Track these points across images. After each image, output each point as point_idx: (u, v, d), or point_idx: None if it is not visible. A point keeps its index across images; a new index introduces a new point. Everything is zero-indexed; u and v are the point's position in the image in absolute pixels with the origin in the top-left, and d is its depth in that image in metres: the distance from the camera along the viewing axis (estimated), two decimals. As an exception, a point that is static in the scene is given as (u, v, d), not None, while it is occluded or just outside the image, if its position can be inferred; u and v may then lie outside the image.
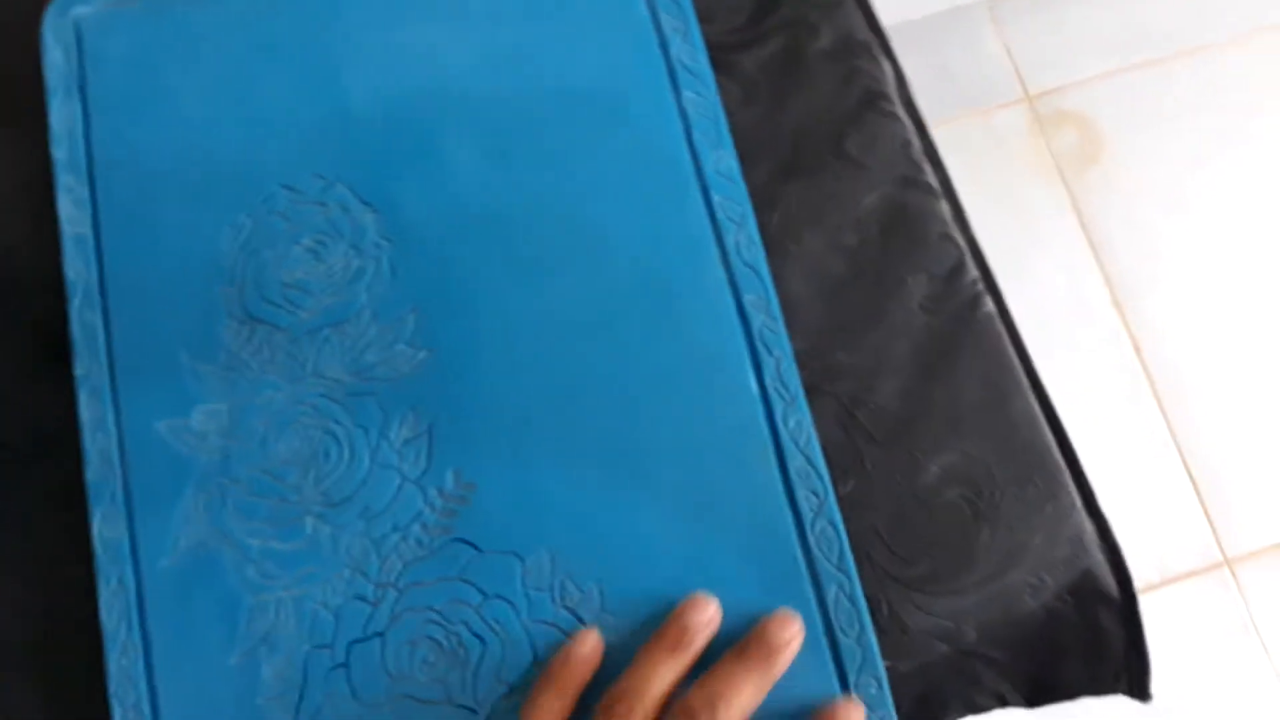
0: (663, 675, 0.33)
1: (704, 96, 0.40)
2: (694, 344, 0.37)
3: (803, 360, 0.38)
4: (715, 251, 0.38)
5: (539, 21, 0.41)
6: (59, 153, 0.40)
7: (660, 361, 0.37)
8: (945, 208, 0.40)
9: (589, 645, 0.34)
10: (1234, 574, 1.04)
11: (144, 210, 0.39)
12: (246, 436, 0.37)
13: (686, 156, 0.39)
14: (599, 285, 0.38)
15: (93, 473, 0.37)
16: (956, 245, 0.39)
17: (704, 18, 0.42)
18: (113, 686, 0.35)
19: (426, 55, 0.41)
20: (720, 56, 0.41)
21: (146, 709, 0.35)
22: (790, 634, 0.34)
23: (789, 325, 0.38)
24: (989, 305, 0.39)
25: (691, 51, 0.40)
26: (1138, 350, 1.11)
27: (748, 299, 0.38)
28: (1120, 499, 1.03)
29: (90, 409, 0.37)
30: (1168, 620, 1.03)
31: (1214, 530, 1.05)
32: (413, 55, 0.41)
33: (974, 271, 0.39)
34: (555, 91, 0.40)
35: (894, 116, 0.40)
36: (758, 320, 0.37)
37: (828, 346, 0.38)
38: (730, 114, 0.40)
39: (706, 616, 0.34)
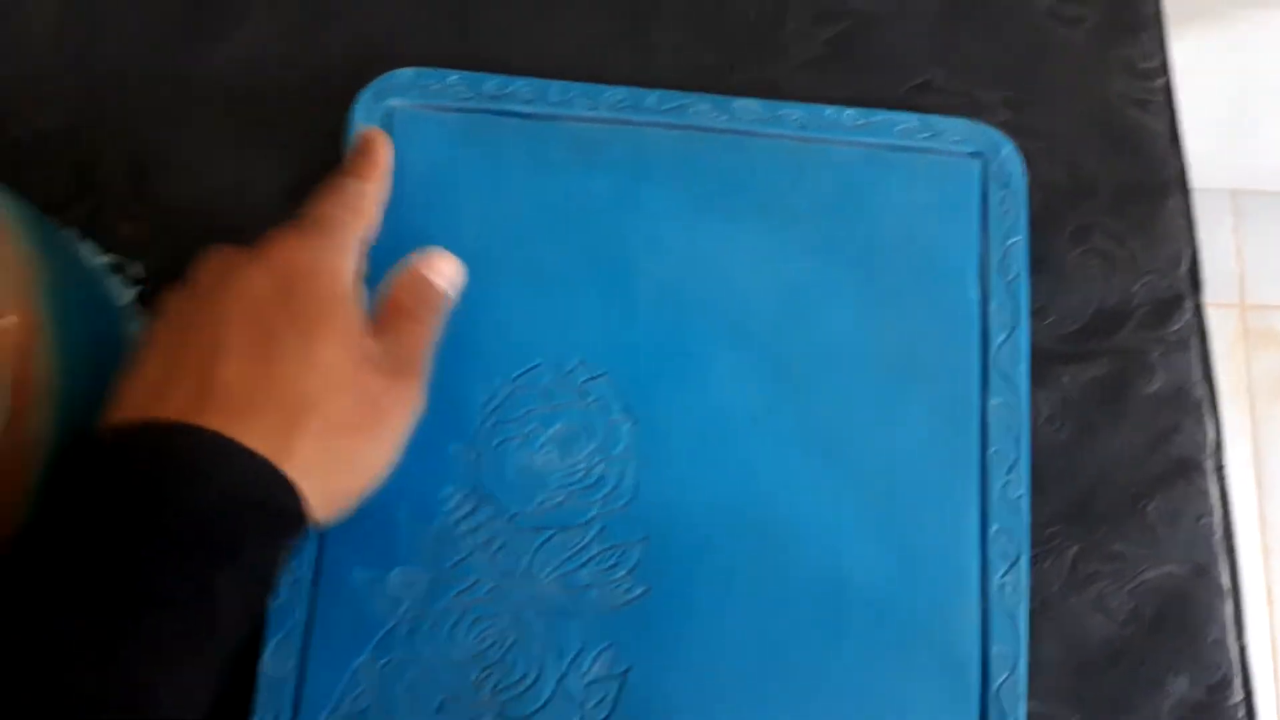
0: None
1: (1013, 408, 0.36)
2: (926, 684, 0.34)
3: (1032, 727, 0.35)
4: (976, 587, 0.35)
5: (858, 259, 0.38)
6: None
7: (880, 688, 0.34)
8: (1230, 610, 0.36)
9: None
10: None
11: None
12: (440, 616, 0.35)
13: (975, 468, 0.36)
14: (835, 584, 0.35)
15: (278, 600, 0.35)
16: (1229, 657, 0.36)
17: (1036, 310, 0.38)
18: None
19: (726, 260, 0.38)
20: (1039, 361, 0.37)
21: None
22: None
23: (1031, 683, 0.35)
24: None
25: (1013, 354, 0.37)
26: (1270, 606, 1.05)
27: (994, 650, 0.35)
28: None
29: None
30: None
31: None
32: (712, 255, 0.38)
33: (1240, 692, 0.35)
34: (849, 344, 0.37)
35: (1204, 493, 0.37)
36: (999, 677, 0.34)
37: (1061, 721, 0.35)
38: (1031, 429, 0.37)
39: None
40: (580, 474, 0.36)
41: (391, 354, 0.32)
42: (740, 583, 0.35)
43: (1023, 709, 0.34)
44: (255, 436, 0.28)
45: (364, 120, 0.40)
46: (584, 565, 0.36)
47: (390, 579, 0.35)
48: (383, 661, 0.35)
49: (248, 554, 0.28)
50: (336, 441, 0.31)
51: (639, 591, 0.35)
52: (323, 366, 0.30)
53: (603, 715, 0.34)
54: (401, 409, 0.33)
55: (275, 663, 0.35)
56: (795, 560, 0.35)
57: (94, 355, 0.32)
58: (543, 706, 0.34)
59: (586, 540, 0.36)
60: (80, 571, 0.26)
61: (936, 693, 0.34)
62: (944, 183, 0.39)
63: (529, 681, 0.35)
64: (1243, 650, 0.36)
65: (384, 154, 0.36)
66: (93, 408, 0.30)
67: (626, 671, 0.35)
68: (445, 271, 0.35)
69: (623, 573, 0.35)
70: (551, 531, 0.36)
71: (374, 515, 0.36)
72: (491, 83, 0.40)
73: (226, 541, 0.28)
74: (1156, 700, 0.35)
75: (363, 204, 0.34)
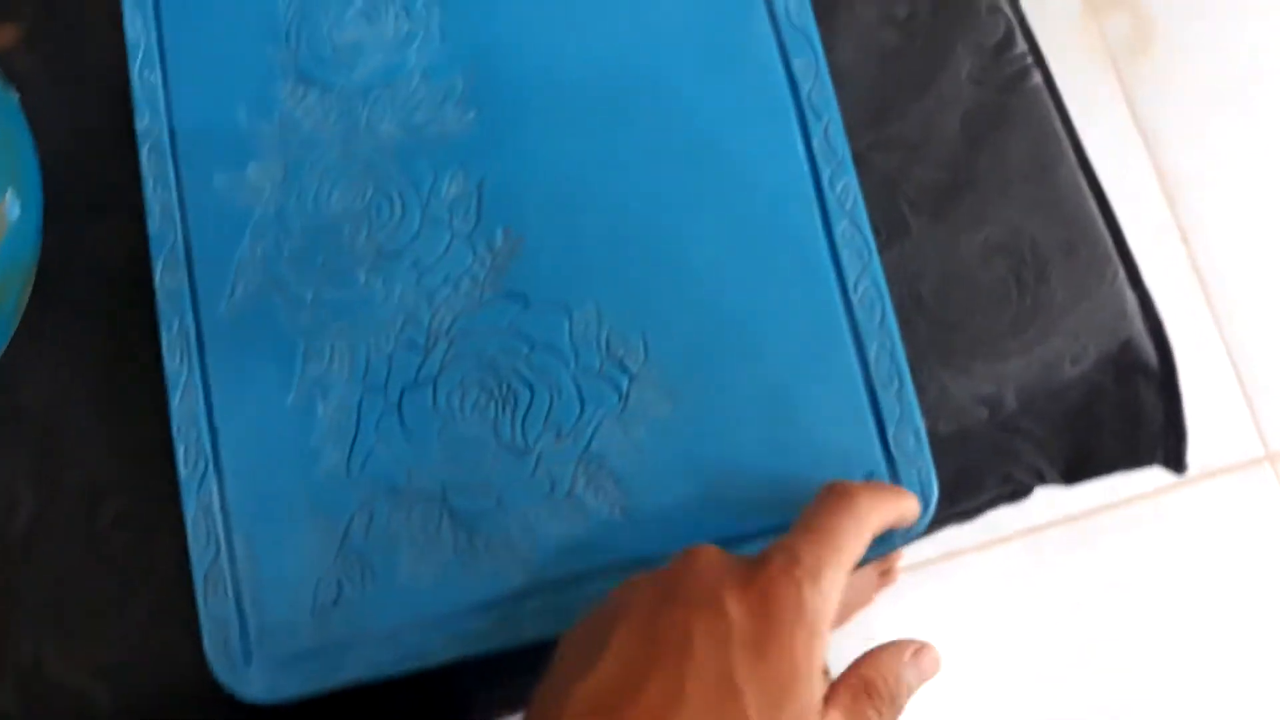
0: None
1: None
2: (740, 104, 0.37)
3: (851, 130, 0.38)
4: (764, 13, 0.38)
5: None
6: (118, -85, 0.41)
7: (705, 120, 0.37)
8: (999, -23, 0.39)
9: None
10: (1276, 470, 1.03)
11: (201, -27, 0.40)
12: (301, 191, 0.38)
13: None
14: (643, 40, 0.38)
15: (154, 225, 0.38)
16: (1006, 17, 0.39)
17: None
18: (175, 425, 0.36)
19: None
20: None
21: (207, 446, 0.36)
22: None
23: (838, 96, 0.38)
24: (1036, 77, 0.38)
25: None
26: (1186, 243, 1.10)
27: (796, 63, 0.38)
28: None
29: (152, 164, 0.38)
30: (1206, 515, 1.03)
31: (1258, 426, 1.05)
32: None
33: (1022, 44, 0.39)
34: None
35: (949, -110, 0.40)
36: (806, 84, 0.38)
37: (876, 117, 0.38)
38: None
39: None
40: (390, 34, 0.39)
41: None
42: (555, 73, 0.38)
43: (834, 106, 0.37)
44: None
45: None
46: (416, 109, 0.38)
47: (248, 172, 0.38)
48: (260, 245, 0.38)
49: None
50: None
51: (471, 116, 0.38)
52: None
53: (470, 225, 0.37)
54: None
55: (167, 277, 0.37)
56: (597, 38, 0.38)
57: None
58: (416, 234, 0.37)
59: (412, 88, 0.39)
60: None
61: (756, 110, 0.37)
62: None
63: (397, 217, 0.38)
64: (1018, 13, 0.39)
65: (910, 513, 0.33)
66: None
67: (480, 184, 0.38)
68: (926, 669, 0.31)
69: (451, 104, 0.38)
70: (379, 90, 0.39)
71: (216, 124, 0.38)
72: None
73: None
74: (952, 70, 0.39)
75: (854, 551, 0.30)
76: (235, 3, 0.39)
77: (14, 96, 0.40)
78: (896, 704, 0.29)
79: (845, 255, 0.36)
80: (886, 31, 0.39)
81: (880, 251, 0.36)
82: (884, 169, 0.38)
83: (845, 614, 0.30)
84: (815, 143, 0.37)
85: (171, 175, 0.38)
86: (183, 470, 0.36)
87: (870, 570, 0.32)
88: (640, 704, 0.27)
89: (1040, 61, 0.39)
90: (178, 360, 0.37)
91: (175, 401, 0.36)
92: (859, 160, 0.37)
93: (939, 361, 0.36)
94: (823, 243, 0.36)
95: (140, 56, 0.39)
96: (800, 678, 0.27)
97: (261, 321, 0.37)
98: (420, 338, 0.36)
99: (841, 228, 0.36)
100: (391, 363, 0.36)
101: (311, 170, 0.38)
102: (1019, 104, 0.38)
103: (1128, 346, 0.37)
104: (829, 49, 0.38)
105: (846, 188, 0.37)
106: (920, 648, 0.30)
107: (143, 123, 0.39)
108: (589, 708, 0.27)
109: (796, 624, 0.28)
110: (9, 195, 0.37)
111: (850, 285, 0.36)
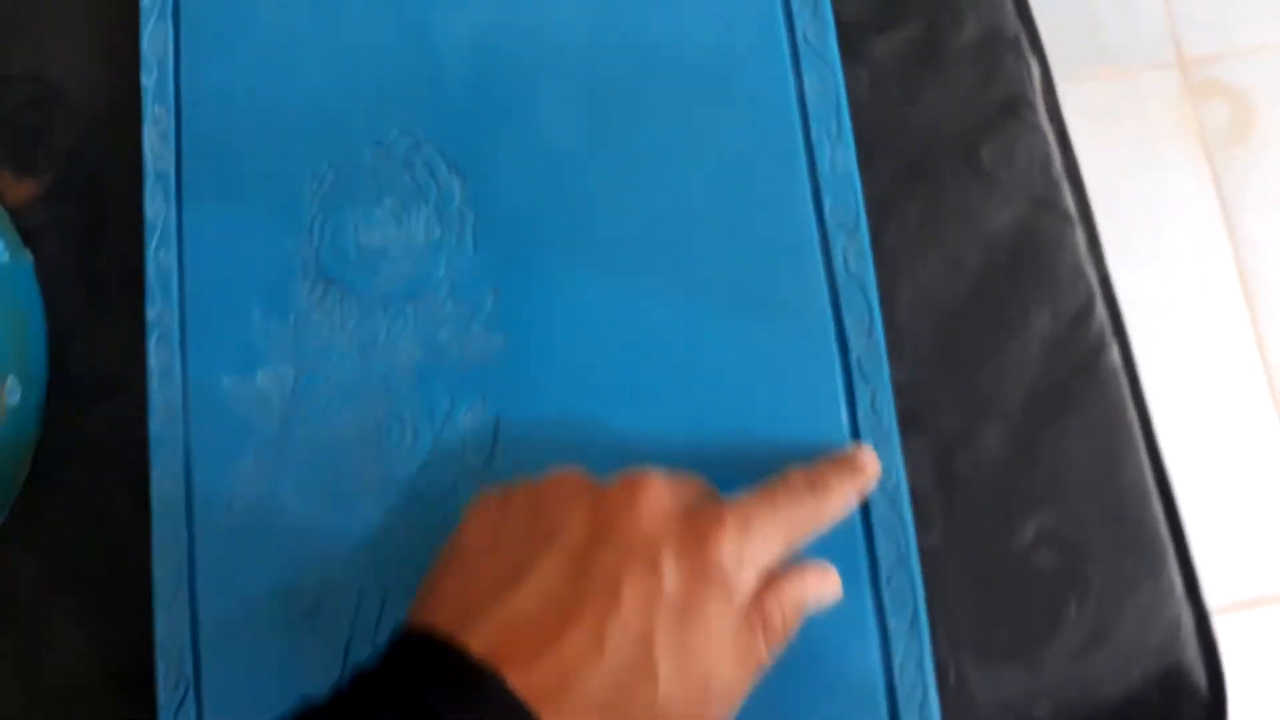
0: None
1: (828, 81, 0.36)
2: (785, 365, 0.35)
3: (903, 390, 0.35)
4: (820, 261, 0.35)
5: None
6: (147, 80, 0.38)
7: (745, 378, 0.35)
8: (1081, 236, 0.36)
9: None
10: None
11: (228, 149, 0.38)
12: (310, 404, 0.36)
13: (801, 148, 0.36)
14: (687, 285, 0.35)
15: (156, 425, 0.36)
16: (1088, 282, 0.35)
17: (839, -14, 0.37)
18: (158, 642, 0.35)
19: (525, 6, 0.38)
20: (850, 37, 0.37)
21: (189, 670, 0.34)
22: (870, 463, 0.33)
23: (892, 350, 0.35)
24: (1115, 356, 0.35)
25: (820, 29, 0.37)
26: (1262, 350, 1.04)
27: (849, 319, 0.35)
28: (1227, 508, 0.98)
29: (159, 356, 0.36)
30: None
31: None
32: (511, 4, 0.38)
33: (1103, 315, 0.35)
34: (662, 58, 0.37)
35: (1035, 127, 0.36)
36: (858, 345, 0.34)
37: (933, 379, 0.35)
38: (854, 104, 0.36)
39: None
40: (420, 239, 0.37)
41: (732, 680, 0.29)
42: (591, 309, 0.36)
43: (885, 372, 0.34)
44: None
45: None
46: (440, 325, 0.36)
47: (257, 379, 0.36)
48: (263, 459, 0.36)
49: None
50: None
51: (498, 340, 0.36)
52: (672, 710, 0.27)
53: (482, 460, 0.35)
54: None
55: (164, 483, 0.36)
56: (646, 278, 0.36)
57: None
58: (425, 464, 0.35)
59: (438, 300, 0.36)
60: None
61: (799, 365, 0.35)
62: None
63: (407, 444, 0.35)
64: (1103, 276, 0.36)
65: (862, 487, 0.33)
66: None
67: (498, 419, 0.35)
68: (827, 596, 0.31)
69: (479, 326, 0.36)
70: (402, 301, 0.36)
71: (230, 319, 0.36)
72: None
73: None
74: (1022, 338, 0.35)
75: (803, 534, 0.31)
76: (259, 189, 0.37)
77: (28, 260, 0.38)
78: (788, 636, 0.30)
79: (881, 544, 0.33)
80: (953, 284, 0.36)
81: (922, 531, 0.34)
82: (933, 444, 0.35)
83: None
84: (861, 412, 0.34)
85: (178, 372, 0.36)
86: (161, 692, 0.34)
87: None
88: (556, 649, 0.26)
89: (1120, 331, 0.35)
90: (166, 572, 0.35)
91: (160, 621, 0.35)
92: (908, 424, 0.34)
93: (969, 664, 0.34)
94: (857, 529, 0.33)
95: (157, 236, 0.37)
96: (715, 644, 0.27)
97: (256, 541, 0.35)
98: (416, 580, 0.34)
99: (879, 510, 0.33)
100: (384, 606, 0.34)
101: (324, 383, 0.36)
102: (1091, 389, 0.34)
103: (1177, 670, 0.34)
104: (887, 299, 0.35)
105: (889, 466, 0.34)
106: (824, 577, 0.31)
107: (154, 309, 0.37)
108: (503, 637, 0.26)
109: (725, 596, 0.28)
110: (11, 380, 0.36)
111: (883, 576, 0.33)
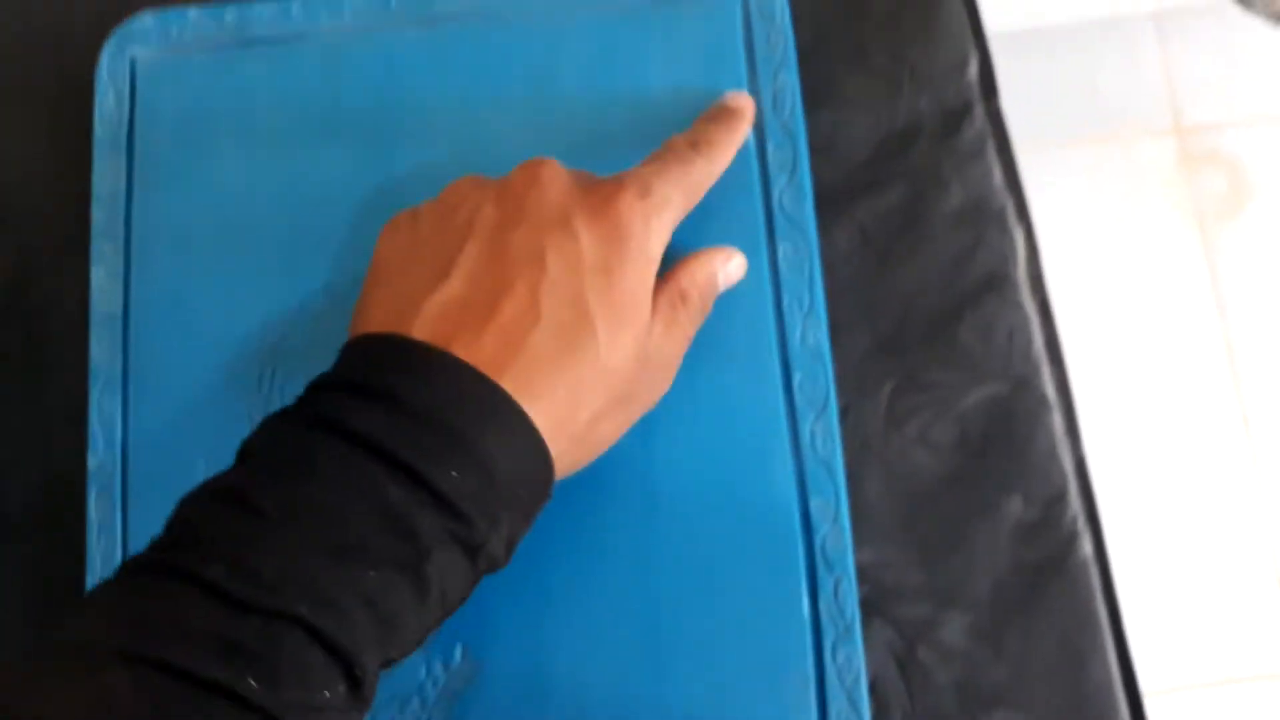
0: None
1: (801, 251, 0.35)
2: (745, 548, 0.33)
3: (867, 572, 0.34)
4: (787, 441, 0.34)
5: (629, 126, 0.36)
6: (99, 215, 0.37)
7: (703, 565, 0.33)
8: (1058, 420, 0.35)
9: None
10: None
11: (178, 293, 0.36)
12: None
13: (771, 322, 0.35)
14: (648, 460, 0.34)
15: (94, 579, 0.35)
16: (1062, 469, 0.34)
17: (821, 146, 0.36)
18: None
19: (495, 145, 0.37)
20: (830, 200, 0.36)
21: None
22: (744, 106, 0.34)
23: (858, 529, 0.34)
24: (1087, 547, 0.34)
25: (796, 195, 0.35)
26: (1246, 425, 1.03)
27: (814, 503, 0.33)
28: (1202, 586, 0.97)
29: (100, 510, 0.35)
30: None
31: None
32: (481, 142, 0.37)
33: (1076, 505, 0.34)
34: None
35: (1017, 305, 0.35)
36: (822, 530, 0.33)
37: (899, 562, 0.34)
38: (830, 269, 0.35)
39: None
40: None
41: (662, 350, 0.31)
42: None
43: (849, 560, 0.33)
44: (540, 413, 0.27)
45: (108, 81, 0.38)
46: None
47: (199, 536, 0.35)
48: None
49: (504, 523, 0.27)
50: (589, 433, 0.30)
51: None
52: (614, 365, 0.29)
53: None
54: (652, 399, 0.32)
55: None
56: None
57: None
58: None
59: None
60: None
61: (761, 561, 0.33)
62: (705, 27, 0.37)
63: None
64: (1079, 461, 0.35)
65: (743, 131, 0.35)
66: None
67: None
68: (733, 273, 0.34)
69: None
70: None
71: (173, 474, 0.35)
72: (232, 12, 0.38)
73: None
74: (992, 525, 0.34)
75: (700, 190, 0.33)
76: (213, 338, 0.36)
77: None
78: (705, 309, 0.33)
79: None
80: (924, 467, 0.34)
81: (880, 723, 0.32)
82: (894, 637, 0.34)
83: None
84: (823, 603, 0.33)
85: (118, 528, 0.35)
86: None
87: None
88: (495, 320, 0.27)
89: (1094, 519, 0.34)
90: None
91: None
92: (870, 611, 0.33)
93: None
94: (814, 711, 0.32)
95: (100, 384, 0.36)
96: (640, 303, 0.29)
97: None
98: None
99: (837, 708, 0.32)
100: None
101: (267, 545, 0.34)
102: (1061, 583, 0.33)
103: None
104: (855, 477, 0.34)
105: (849, 661, 0.32)
106: (729, 255, 0.33)
107: (95, 459, 0.35)
108: (443, 321, 0.27)
109: (641, 253, 0.30)
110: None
111: None
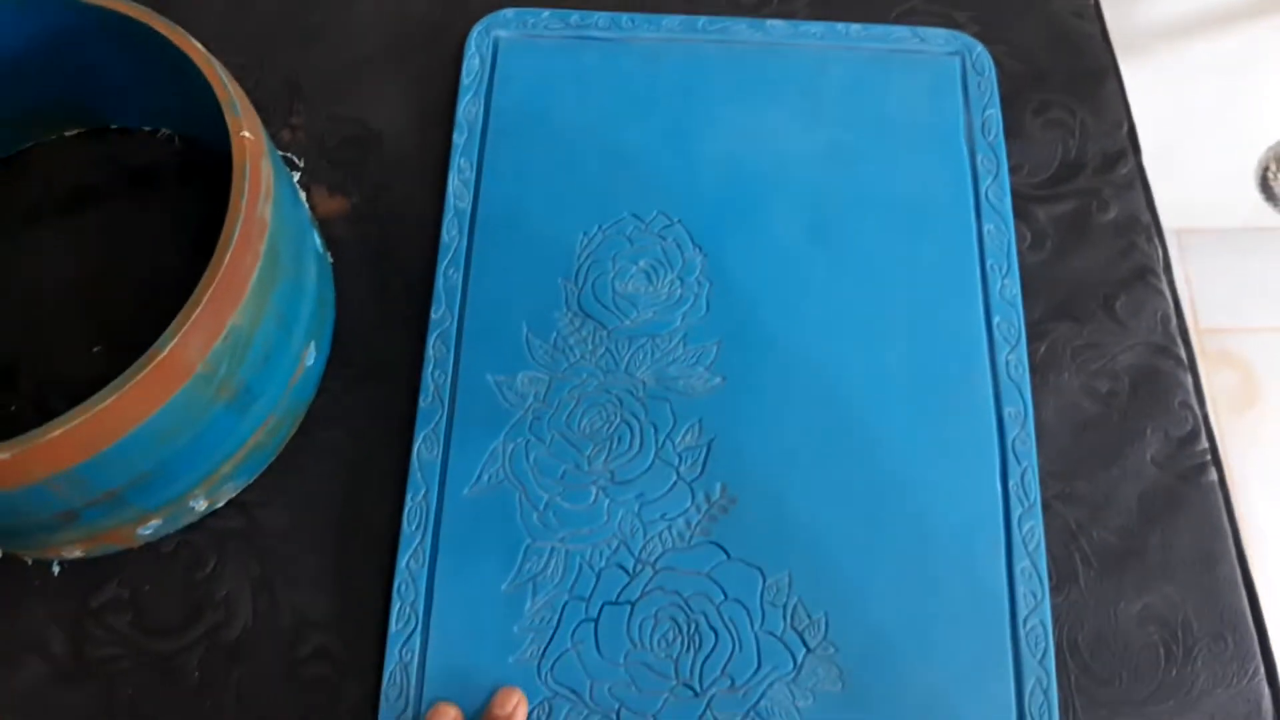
0: None
1: (1002, 231, 0.46)
2: (952, 433, 0.43)
3: (1043, 479, 0.42)
4: (987, 364, 0.44)
5: (874, 132, 0.48)
6: (459, 138, 0.48)
7: (919, 438, 0.42)
8: (1189, 381, 0.45)
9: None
10: None
11: (515, 202, 0.47)
12: (558, 406, 0.43)
13: (977, 277, 0.45)
14: (875, 366, 0.44)
15: (425, 401, 0.43)
16: (1194, 415, 0.44)
17: (1013, 166, 0.48)
18: (397, 583, 0.41)
19: (770, 135, 0.48)
20: (1019, 203, 0.47)
21: (421, 609, 0.40)
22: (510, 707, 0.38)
23: (1037, 446, 0.43)
24: (1213, 475, 0.43)
25: (999, 191, 0.47)
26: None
27: (1008, 410, 0.43)
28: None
29: (436, 350, 0.44)
30: None
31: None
32: (759, 132, 0.49)
33: (1205, 442, 0.44)
34: (875, 195, 0.47)
35: (1159, 292, 0.46)
36: (1013, 431, 0.43)
37: (1068, 473, 0.43)
38: (1019, 254, 0.46)
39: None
40: (665, 295, 0.45)
41: None
42: (796, 369, 0.44)
43: (1034, 455, 0.42)
44: None
45: (475, 50, 0.50)
46: (672, 363, 0.44)
47: (518, 379, 0.44)
48: (513, 444, 0.43)
49: None
50: None
51: (717, 381, 0.44)
52: None
53: (695, 474, 0.42)
54: None
55: (425, 450, 0.43)
56: (839, 354, 0.44)
57: (294, 239, 0.41)
58: (648, 469, 0.42)
59: (672, 345, 0.44)
60: None
61: (965, 445, 0.43)
62: (933, 75, 0.50)
63: (634, 451, 0.43)
64: (1204, 414, 0.44)
65: None
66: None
67: (711, 441, 0.43)
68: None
69: (703, 368, 0.44)
70: (644, 339, 0.44)
71: (501, 331, 0.44)
72: (575, 16, 0.51)
73: None
74: (1139, 449, 0.43)
75: None
76: (540, 233, 0.46)
77: (330, 261, 0.47)
78: None
79: (1021, 591, 0.40)
80: (1087, 400, 0.44)
81: (1049, 594, 0.40)
82: (1065, 521, 0.42)
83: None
84: (1012, 484, 0.42)
85: (451, 363, 0.44)
86: (393, 625, 0.40)
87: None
88: None
89: (1218, 462, 0.44)
90: (414, 526, 0.41)
91: (403, 562, 0.41)
92: (1045, 507, 0.42)
93: (1083, 708, 0.40)
94: (1003, 575, 0.40)
95: (449, 257, 0.46)
96: None
97: (497, 511, 0.42)
98: (629, 562, 0.41)
99: (1022, 565, 0.41)
100: (599, 579, 0.41)
101: (572, 392, 0.43)
102: (1194, 495, 0.43)
103: (1257, 742, 0.40)
104: (1034, 404, 0.44)
105: (1033, 531, 0.41)
106: (518, 702, 0.38)
107: (438, 312, 0.45)
108: None
109: None
110: (312, 346, 0.43)
111: (1021, 619, 0.40)
